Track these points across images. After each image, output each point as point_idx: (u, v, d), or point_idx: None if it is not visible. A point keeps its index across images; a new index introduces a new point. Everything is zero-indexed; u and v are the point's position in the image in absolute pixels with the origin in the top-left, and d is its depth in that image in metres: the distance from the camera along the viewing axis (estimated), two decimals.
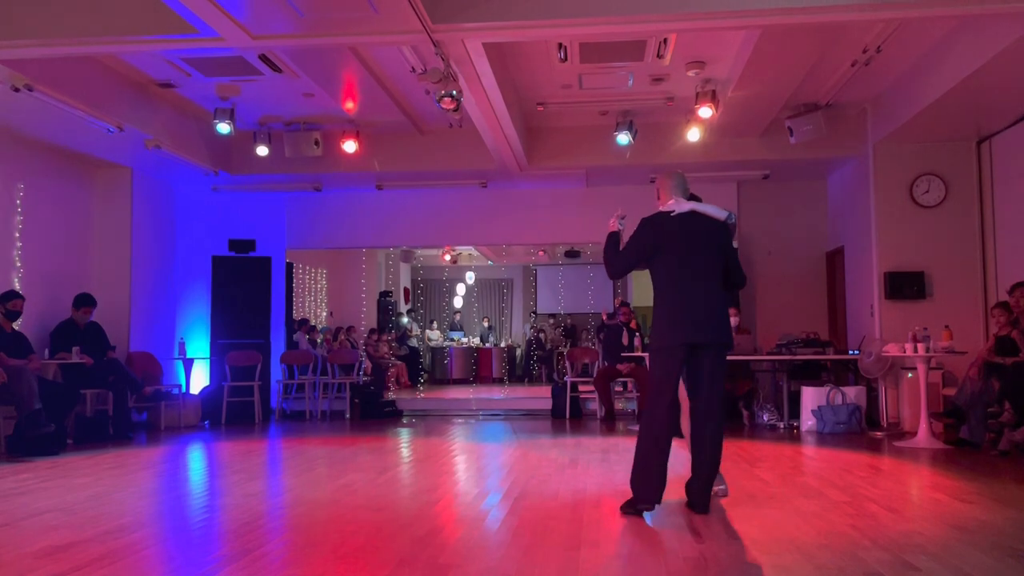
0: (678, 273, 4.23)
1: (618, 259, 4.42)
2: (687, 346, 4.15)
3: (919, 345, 7.10)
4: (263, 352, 10.14)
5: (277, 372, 10.63)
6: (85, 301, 8.30)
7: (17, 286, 8.01)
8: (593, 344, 13.00)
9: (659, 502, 4.15)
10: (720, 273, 4.31)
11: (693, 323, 4.15)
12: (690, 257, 4.24)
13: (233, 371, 9.81)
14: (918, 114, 7.71)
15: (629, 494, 4.22)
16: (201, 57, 7.24)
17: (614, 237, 4.50)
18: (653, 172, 10.00)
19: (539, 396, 11.04)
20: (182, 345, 9.94)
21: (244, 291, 10.34)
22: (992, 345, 6.92)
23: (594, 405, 10.06)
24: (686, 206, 4.31)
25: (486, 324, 17.78)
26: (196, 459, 7.08)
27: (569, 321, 17.57)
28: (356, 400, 10.50)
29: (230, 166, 9.91)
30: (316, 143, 9.23)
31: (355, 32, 5.82)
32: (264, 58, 7.19)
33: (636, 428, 8.56)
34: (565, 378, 10.34)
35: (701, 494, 4.19)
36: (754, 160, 9.63)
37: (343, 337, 12.65)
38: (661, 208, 4.40)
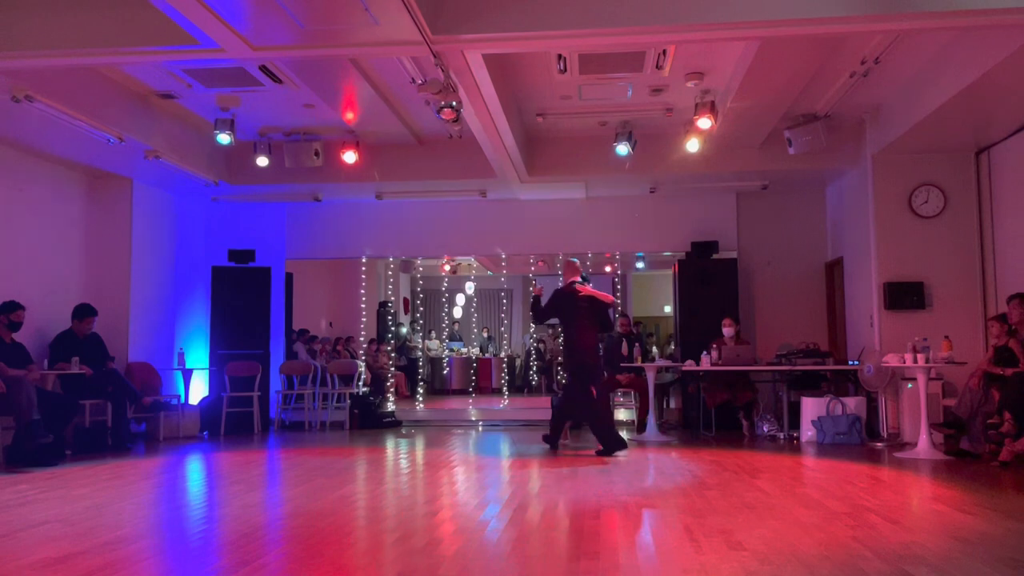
0: (568, 324, 7.55)
1: (540, 313, 7.69)
2: (574, 366, 7.50)
3: (919, 356, 7.09)
4: (262, 362, 10.13)
5: (276, 382, 10.61)
6: (87, 312, 8.28)
7: (16, 296, 7.99)
8: None
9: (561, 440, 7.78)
10: (595, 322, 7.48)
11: (575, 355, 7.47)
12: (576, 315, 7.46)
13: (232, 381, 9.80)
14: (917, 125, 7.72)
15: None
16: (202, 68, 7.26)
17: (537, 299, 7.70)
18: (653, 183, 10.08)
19: (538, 407, 11.00)
20: (181, 355, 9.92)
21: (243, 301, 10.32)
22: (992, 356, 6.91)
23: None
24: (576, 282, 7.62)
25: (485, 334, 17.75)
26: (195, 470, 7.06)
27: None
28: (355, 410, 10.48)
29: (230, 176, 9.92)
30: (316, 153, 9.24)
31: (355, 43, 5.83)
32: (264, 69, 7.22)
33: (637, 438, 8.55)
34: None
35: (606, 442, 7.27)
36: (753, 171, 9.63)
37: (342, 347, 12.63)
38: (562, 285, 7.82)
